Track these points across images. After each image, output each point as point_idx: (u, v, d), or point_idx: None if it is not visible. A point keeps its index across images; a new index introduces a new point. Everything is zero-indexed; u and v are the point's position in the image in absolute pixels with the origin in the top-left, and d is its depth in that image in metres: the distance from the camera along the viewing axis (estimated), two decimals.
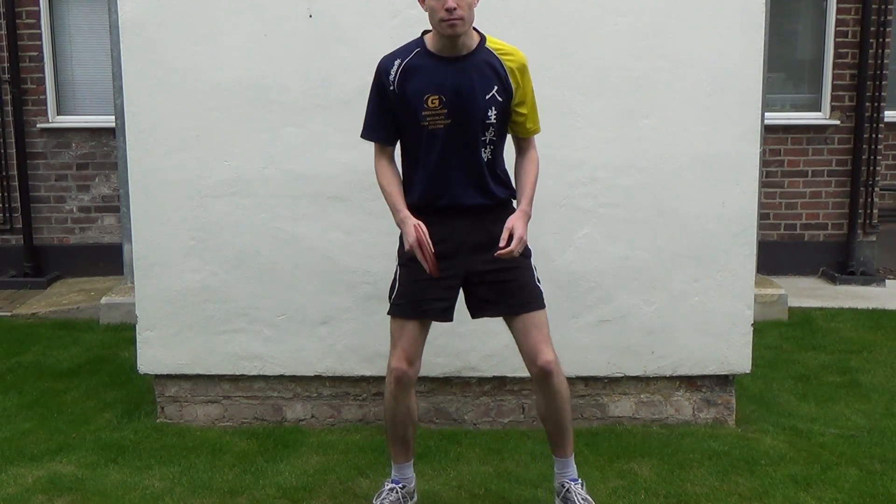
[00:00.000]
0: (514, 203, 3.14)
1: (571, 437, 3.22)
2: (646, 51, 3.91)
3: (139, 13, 3.91)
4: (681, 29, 3.90)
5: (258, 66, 3.93)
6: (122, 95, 4.21)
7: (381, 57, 3.09)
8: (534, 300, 3.11)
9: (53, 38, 7.34)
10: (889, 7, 7.21)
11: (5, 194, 7.39)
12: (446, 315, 3.16)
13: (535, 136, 3.19)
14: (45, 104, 7.33)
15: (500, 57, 3.02)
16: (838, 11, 7.30)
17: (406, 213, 3.03)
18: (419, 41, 3.06)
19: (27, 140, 7.33)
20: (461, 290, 3.17)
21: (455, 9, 2.86)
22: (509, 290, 3.08)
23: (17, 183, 7.34)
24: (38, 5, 7.21)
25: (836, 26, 7.31)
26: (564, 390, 3.12)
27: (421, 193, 3.10)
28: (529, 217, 3.07)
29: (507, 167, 3.19)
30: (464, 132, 3.01)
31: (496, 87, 3.01)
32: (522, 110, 3.08)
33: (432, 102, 2.98)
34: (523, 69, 3.06)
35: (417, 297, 3.10)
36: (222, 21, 3.92)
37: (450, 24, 2.89)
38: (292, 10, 3.90)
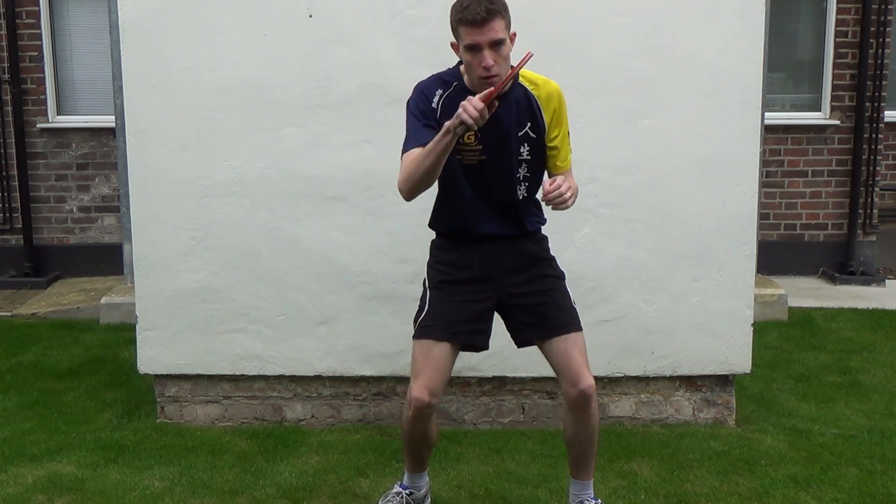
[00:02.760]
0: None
1: (595, 461, 3.16)
2: (646, 51, 3.91)
3: (139, 13, 3.91)
4: (681, 29, 3.90)
5: (258, 66, 3.93)
6: (122, 95, 4.21)
7: (418, 84, 2.96)
8: (572, 321, 3.03)
9: (53, 38, 7.34)
10: (889, 7, 7.21)
11: (5, 194, 7.39)
12: (477, 340, 3.06)
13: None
14: (45, 104, 7.32)
15: (530, 90, 2.94)
16: (838, 11, 7.30)
17: (447, 123, 2.74)
18: (457, 73, 2.94)
19: (27, 140, 7.33)
20: (500, 317, 3.11)
21: (492, 66, 2.75)
22: (546, 312, 3.01)
23: (17, 183, 7.34)
24: (38, 5, 7.21)
25: (836, 26, 7.31)
26: (597, 416, 3.05)
27: (452, 223, 3.05)
28: (573, 187, 2.87)
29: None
30: (498, 169, 2.95)
31: (529, 124, 2.94)
32: (553, 143, 2.99)
33: (468, 138, 2.89)
34: (550, 97, 2.95)
35: (449, 319, 2.98)
36: (222, 21, 3.92)
37: (489, 82, 2.78)
38: (292, 10, 3.90)
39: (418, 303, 3.09)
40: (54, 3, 7.32)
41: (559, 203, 2.77)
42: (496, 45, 2.75)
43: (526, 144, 2.96)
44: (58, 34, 7.36)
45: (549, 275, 3.08)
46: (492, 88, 2.70)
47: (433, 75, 2.99)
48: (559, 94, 2.99)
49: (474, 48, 2.76)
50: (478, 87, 2.84)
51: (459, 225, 3.03)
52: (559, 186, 2.77)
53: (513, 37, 2.85)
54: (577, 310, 3.09)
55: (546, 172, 3.06)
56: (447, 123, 2.71)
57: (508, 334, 3.16)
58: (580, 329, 3.04)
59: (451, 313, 3.00)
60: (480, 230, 3.00)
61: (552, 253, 3.15)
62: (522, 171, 2.98)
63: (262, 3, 3.90)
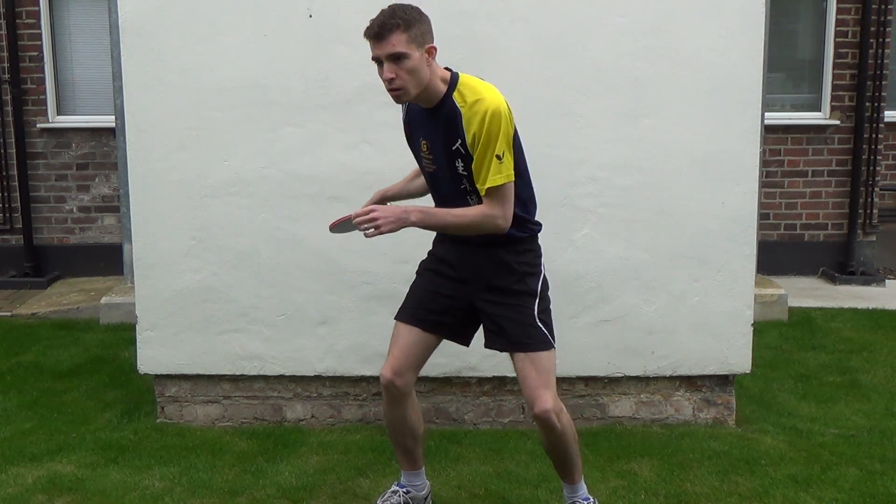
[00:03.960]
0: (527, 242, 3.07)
1: (579, 465, 3.16)
2: (646, 51, 3.91)
3: (139, 13, 3.91)
4: (681, 29, 3.90)
5: (258, 66, 3.93)
6: (122, 95, 4.21)
7: None
8: (528, 340, 2.98)
9: (53, 38, 7.34)
10: (889, 7, 7.21)
11: (5, 194, 7.39)
12: (440, 329, 3.12)
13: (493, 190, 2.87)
14: (45, 104, 7.33)
15: (459, 106, 2.83)
16: (838, 11, 7.30)
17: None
18: None
19: (27, 140, 7.33)
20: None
21: (393, 79, 2.78)
22: (505, 326, 3.01)
23: (17, 183, 7.34)
24: (38, 5, 7.21)
25: (836, 26, 7.31)
26: (569, 430, 3.02)
27: None
28: (409, 219, 2.86)
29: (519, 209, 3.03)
30: (444, 179, 2.99)
31: (459, 140, 2.86)
32: (472, 165, 2.87)
33: (424, 146, 2.99)
34: (471, 120, 2.79)
35: (417, 305, 3.12)
36: (222, 21, 3.92)
37: (391, 94, 2.84)
38: (292, 10, 3.90)
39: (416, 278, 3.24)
40: (54, 3, 7.32)
41: (364, 228, 2.82)
42: (396, 58, 2.76)
43: (459, 160, 2.89)
44: (58, 34, 7.36)
45: (517, 290, 3.01)
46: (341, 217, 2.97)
47: None
48: (484, 117, 2.77)
49: (377, 61, 2.82)
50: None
51: None
52: (365, 213, 2.82)
53: (431, 50, 2.80)
54: (547, 330, 3.00)
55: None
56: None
57: None
58: (539, 349, 2.98)
59: (420, 299, 3.12)
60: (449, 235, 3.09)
61: (536, 268, 3.06)
62: (467, 185, 2.94)
63: (262, 3, 3.90)
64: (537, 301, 3.03)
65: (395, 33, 2.75)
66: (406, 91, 2.81)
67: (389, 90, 2.83)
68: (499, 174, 2.83)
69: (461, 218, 2.92)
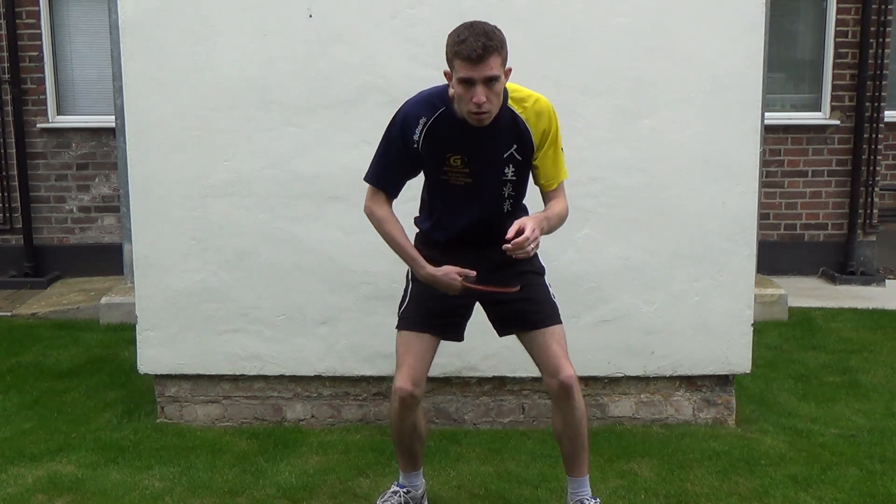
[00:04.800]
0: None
1: (588, 456, 3.16)
2: (646, 51, 3.91)
3: (139, 13, 3.91)
4: (681, 29, 3.90)
5: (258, 66, 3.93)
6: (122, 95, 4.22)
7: (403, 106, 2.96)
8: (550, 315, 3.06)
9: (53, 38, 7.34)
10: (889, 7, 7.21)
11: (5, 194, 7.39)
12: (450, 333, 3.13)
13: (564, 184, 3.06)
14: (45, 104, 7.32)
15: (518, 112, 2.89)
16: (838, 11, 7.30)
17: (430, 267, 2.96)
18: (443, 96, 2.89)
19: (27, 140, 7.33)
20: (483, 311, 3.15)
21: (484, 103, 2.73)
22: (524, 307, 3.04)
23: (17, 183, 7.34)
24: (38, 5, 7.21)
25: (836, 26, 7.31)
26: (583, 406, 3.07)
27: (437, 229, 3.09)
28: (542, 227, 2.88)
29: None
30: (484, 190, 2.97)
31: (515, 146, 2.92)
32: (535, 163, 2.97)
33: (455, 161, 2.92)
34: (539, 117, 2.90)
35: (427, 313, 3.06)
36: (222, 21, 3.92)
37: (478, 118, 2.79)
38: (292, 10, 3.90)
39: (401, 293, 3.17)
40: (54, 3, 7.32)
41: (518, 255, 2.77)
42: (490, 81, 2.73)
43: (511, 165, 2.95)
44: (58, 34, 7.36)
45: (527, 271, 3.07)
46: (485, 288, 2.91)
47: (422, 95, 2.97)
48: (549, 113, 2.93)
49: (468, 82, 2.74)
50: (466, 118, 2.83)
51: (441, 234, 3.08)
52: (523, 237, 2.75)
53: (508, 72, 2.81)
54: (557, 303, 3.11)
55: (541, 192, 3.07)
56: (423, 272, 2.95)
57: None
58: (559, 322, 3.08)
59: (429, 306, 3.07)
60: (461, 240, 3.05)
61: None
62: (507, 190, 3.00)
63: (262, 3, 3.90)
64: (546, 277, 3.12)
65: (494, 56, 2.70)
66: (491, 114, 2.80)
67: (477, 113, 2.76)
68: (565, 166, 3.04)
69: (561, 217, 3.01)
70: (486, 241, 3.02)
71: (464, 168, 2.94)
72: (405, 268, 3.99)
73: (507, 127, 2.90)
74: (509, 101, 2.89)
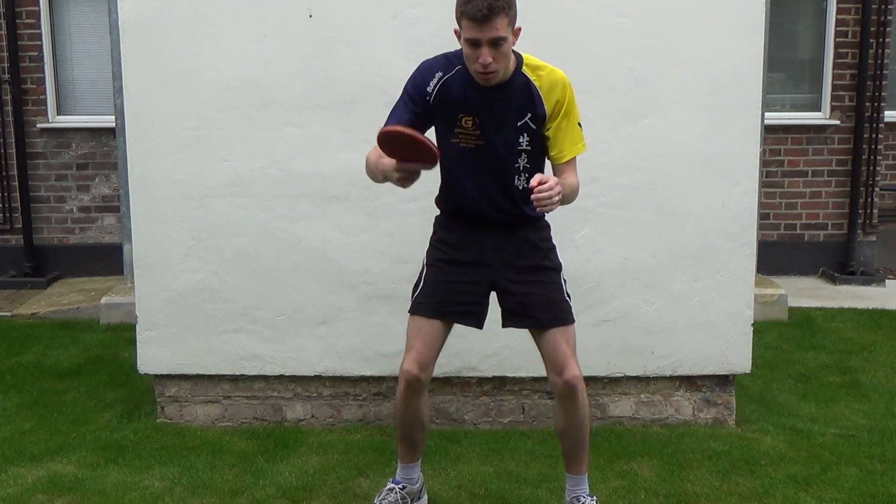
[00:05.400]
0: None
1: (588, 454, 3.17)
2: (646, 51, 3.91)
3: (139, 13, 3.91)
4: (681, 29, 3.90)
5: (258, 66, 3.93)
6: (122, 95, 4.22)
7: (424, 61, 2.99)
8: (562, 315, 3.06)
9: (53, 38, 7.34)
10: (889, 7, 7.21)
11: (5, 194, 7.39)
12: (469, 319, 3.11)
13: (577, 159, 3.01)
14: (45, 104, 7.32)
15: (532, 79, 2.91)
16: (838, 11, 7.30)
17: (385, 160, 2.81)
18: (461, 57, 2.90)
19: (27, 140, 7.33)
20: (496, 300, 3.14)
21: (490, 63, 2.75)
22: (537, 305, 3.04)
23: (17, 183, 7.34)
24: (38, 5, 7.21)
25: (836, 26, 7.31)
26: (587, 407, 3.08)
27: (450, 202, 3.09)
28: (563, 191, 2.80)
29: None
30: (496, 155, 2.96)
31: (529, 114, 2.92)
32: (548, 133, 2.96)
33: (466, 122, 2.92)
34: (553, 87, 2.91)
35: (441, 298, 3.06)
36: (222, 21, 3.92)
37: (484, 78, 2.82)
38: (292, 10, 3.90)
39: (416, 276, 3.16)
40: (54, 3, 7.32)
41: (545, 204, 2.71)
42: (496, 42, 2.74)
43: (525, 134, 2.95)
44: (58, 34, 7.36)
45: (544, 266, 3.09)
46: (415, 136, 2.68)
47: (442, 54, 3.00)
48: (564, 84, 2.94)
49: (474, 43, 2.76)
50: (474, 78, 2.86)
51: (459, 205, 3.07)
52: (547, 185, 2.69)
53: (517, 32, 2.84)
54: (571, 302, 3.11)
55: (552, 165, 3.04)
56: (385, 163, 2.79)
57: (508, 333, 3.18)
58: (571, 322, 3.08)
59: (443, 292, 3.06)
60: (478, 213, 3.03)
61: (553, 243, 3.15)
62: (522, 162, 2.98)
63: (262, 3, 3.90)
64: (562, 274, 3.12)
65: (500, 16, 2.70)
66: (497, 74, 2.81)
67: (483, 73, 2.79)
68: (582, 142, 3.00)
69: (574, 189, 2.96)
70: (502, 217, 3.01)
71: (475, 130, 2.93)
72: (405, 268, 4.01)
73: (520, 93, 2.91)
74: (524, 68, 2.92)
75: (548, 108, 2.94)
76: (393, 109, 2.99)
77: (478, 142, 2.95)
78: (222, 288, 4.07)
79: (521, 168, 2.99)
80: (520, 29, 2.86)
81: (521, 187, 3.00)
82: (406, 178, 2.78)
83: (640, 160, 3.97)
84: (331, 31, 3.91)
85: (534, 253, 3.07)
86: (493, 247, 3.05)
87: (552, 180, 2.73)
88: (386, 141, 2.73)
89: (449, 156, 2.99)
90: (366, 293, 4.05)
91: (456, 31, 2.87)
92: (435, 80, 2.93)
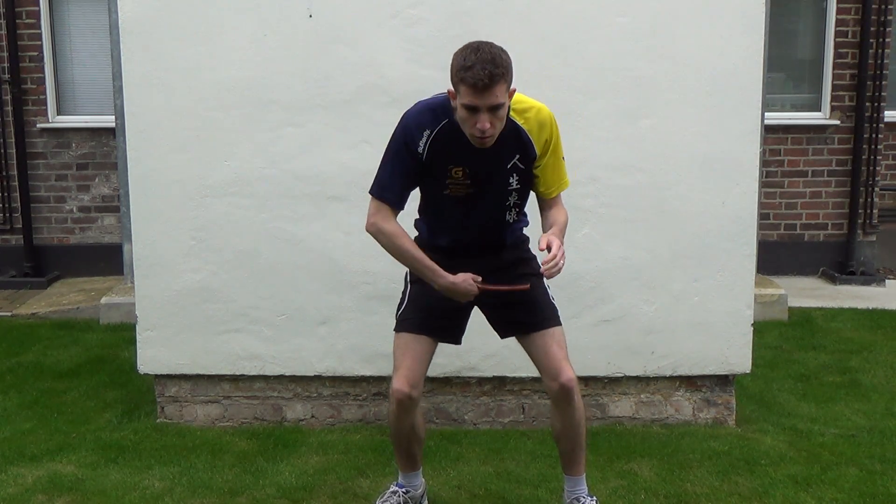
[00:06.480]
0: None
1: (585, 455, 3.18)
2: (646, 51, 3.91)
3: (139, 13, 3.91)
4: (681, 29, 3.90)
5: (258, 66, 3.93)
6: (122, 95, 4.21)
7: (405, 117, 2.93)
8: (550, 316, 3.06)
9: (53, 38, 7.34)
10: (889, 7, 7.21)
11: (5, 194, 7.39)
12: (449, 336, 3.13)
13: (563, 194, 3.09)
14: (45, 104, 7.32)
15: (520, 123, 2.89)
16: (838, 11, 7.29)
17: (450, 276, 2.93)
18: (446, 108, 2.87)
19: (27, 140, 7.32)
20: (481, 313, 3.15)
21: (487, 129, 2.74)
22: (524, 309, 3.05)
23: (17, 183, 7.34)
24: (38, 5, 7.21)
25: (836, 26, 7.31)
26: (582, 408, 3.08)
27: (435, 237, 3.08)
28: (561, 240, 2.90)
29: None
30: (486, 199, 2.97)
31: (518, 155, 2.92)
32: (536, 172, 2.98)
33: (456, 173, 2.92)
34: (542, 127, 2.91)
35: (426, 315, 3.05)
36: (222, 21, 3.92)
37: (481, 142, 2.80)
38: (292, 10, 3.90)
39: (399, 296, 3.16)
40: (54, 3, 7.31)
41: (554, 273, 2.80)
42: (495, 108, 2.73)
43: (515, 175, 2.96)
44: (58, 34, 7.36)
45: (526, 274, 3.08)
46: (500, 287, 2.92)
47: (424, 104, 2.94)
48: (551, 122, 2.93)
49: (472, 109, 2.73)
50: (468, 140, 2.83)
51: (443, 241, 3.07)
52: (554, 256, 2.78)
53: (511, 93, 2.81)
54: (557, 306, 3.12)
55: (538, 199, 3.08)
56: (442, 282, 2.91)
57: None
58: (559, 324, 3.08)
59: (427, 308, 3.06)
60: (461, 248, 3.04)
61: (533, 253, 3.14)
62: (512, 199, 3.02)
63: (262, 3, 3.90)
64: (545, 279, 3.10)
65: (500, 84, 2.68)
66: (493, 137, 2.80)
67: (480, 138, 2.77)
68: (566, 177, 3.07)
69: (566, 223, 3.04)
70: (489, 247, 3.04)
71: (465, 179, 2.93)
72: (405, 268, 4.00)
73: (510, 138, 2.90)
74: (511, 113, 2.88)
75: (538, 148, 2.94)
76: (386, 176, 2.95)
77: (468, 190, 2.95)
78: (222, 288, 4.07)
79: (511, 204, 3.02)
80: (514, 90, 2.83)
81: (511, 220, 3.04)
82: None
83: (640, 160, 3.97)
84: (331, 31, 3.91)
85: (515, 266, 3.08)
86: (478, 264, 3.03)
87: (555, 246, 2.79)
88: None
89: (438, 204, 3.01)
90: (366, 293, 4.05)
91: (450, 92, 2.82)
92: (424, 139, 2.89)
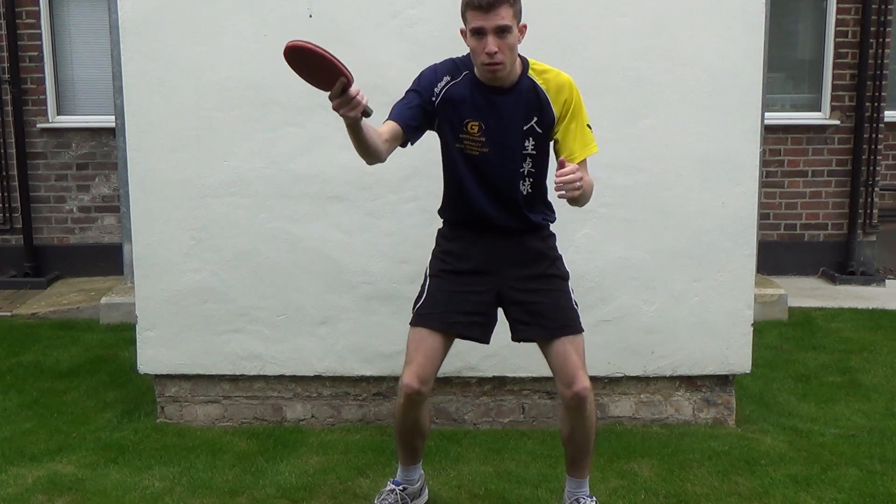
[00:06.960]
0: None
1: (591, 460, 3.17)
2: (646, 51, 3.91)
3: (139, 13, 3.91)
4: (681, 29, 3.90)
5: (258, 66, 3.93)
6: (122, 95, 4.21)
7: (429, 65, 2.98)
8: (570, 323, 3.02)
9: (53, 38, 7.34)
10: (889, 7, 7.22)
11: (5, 194, 7.40)
12: (473, 330, 3.07)
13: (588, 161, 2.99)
14: (45, 104, 7.33)
15: (539, 82, 2.91)
16: (838, 11, 7.30)
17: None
18: (468, 63, 2.92)
19: (27, 140, 7.33)
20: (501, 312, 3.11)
21: (496, 53, 2.75)
22: (545, 313, 3.01)
23: (17, 183, 7.35)
24: (38, 5, 7.21)
25: (836, 26, 7.32)
26: (594, 417, 3.05)
27: (455, 210, 3.07)
28: (586, 190, 2.80)
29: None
30: (501, 162, 2.95)
31: (535, 118, 2.92)
32: (556, 136, 2.96)
33: (472, 128, 2.91)
34: (560, 89, 2.92)
35: (446, 309, 3.01)
36: (222, 21, 3.92)
37: (490, 69, 2.81)
38: (292, 10, 3.90)
39: (418, 289, 3.12)
40: (54, 3, 7.32)
41: (567, 189, 2.66)
42: (501, 31, 2.75)
43: (531, 139, 2.94)
44: (58, 34, 7.36)
45: (551, 274, 3.07)
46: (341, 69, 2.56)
47: (450, 59, 3.00)
48: (570, 86, 2.95)
49: (479, 32, 2.76)
50: (481, 74, 2.86)
51: (463, 214, 3.05)
52: (569, 168, 2.68)
53: (522, 28, 2.85)
54: (578, 311, 3.08)
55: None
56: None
57: (508, 332, 3.16)
58: (580, 331, 3.03)
59: (447, 303, 3.02)
60: (483, 220, 3.01)
61: (559, 251, 3.13)
62: (527, 167, 2.97)
63: (262, 3, 3.90)
64: (570, 283, 3.10)
65: (504, 6, 2.73)
66: (504, 66, 2.81)
67: (490, 63, 2.78)
68: (593, 143, 2.99)
69: (591, 185, 2.92)
70: (506, 225, 3.00)
71: (480, 136, 2.92)
72: (405, 267, 4.02)
73: (528, 96, 2.91)
74: (530, 72, 2.92)
75: (556, 110, 2.93)
76: (395, 104, 2.96)
77: (482, 149, 2.93)
78: (222, 288, 4.07)
79: (525, 173, 2.98)
80: (525, 26, 2.87)
81: (525, 192, 3.00)
82: (341, 104, 2.64)
83: (640, 160, 3.97)
84: (331, 31, 3.90)
85: (541, 261, 3.05)
86: (499, 255, 3.02)
87: (572, 166, 2.72)
88: (293, 56, 2.62)
89: (453, 163, 2.98)
90: (366, 293, 4.05)
91: (462, 31, 2.86)
92: (442, 83, 2.93)
